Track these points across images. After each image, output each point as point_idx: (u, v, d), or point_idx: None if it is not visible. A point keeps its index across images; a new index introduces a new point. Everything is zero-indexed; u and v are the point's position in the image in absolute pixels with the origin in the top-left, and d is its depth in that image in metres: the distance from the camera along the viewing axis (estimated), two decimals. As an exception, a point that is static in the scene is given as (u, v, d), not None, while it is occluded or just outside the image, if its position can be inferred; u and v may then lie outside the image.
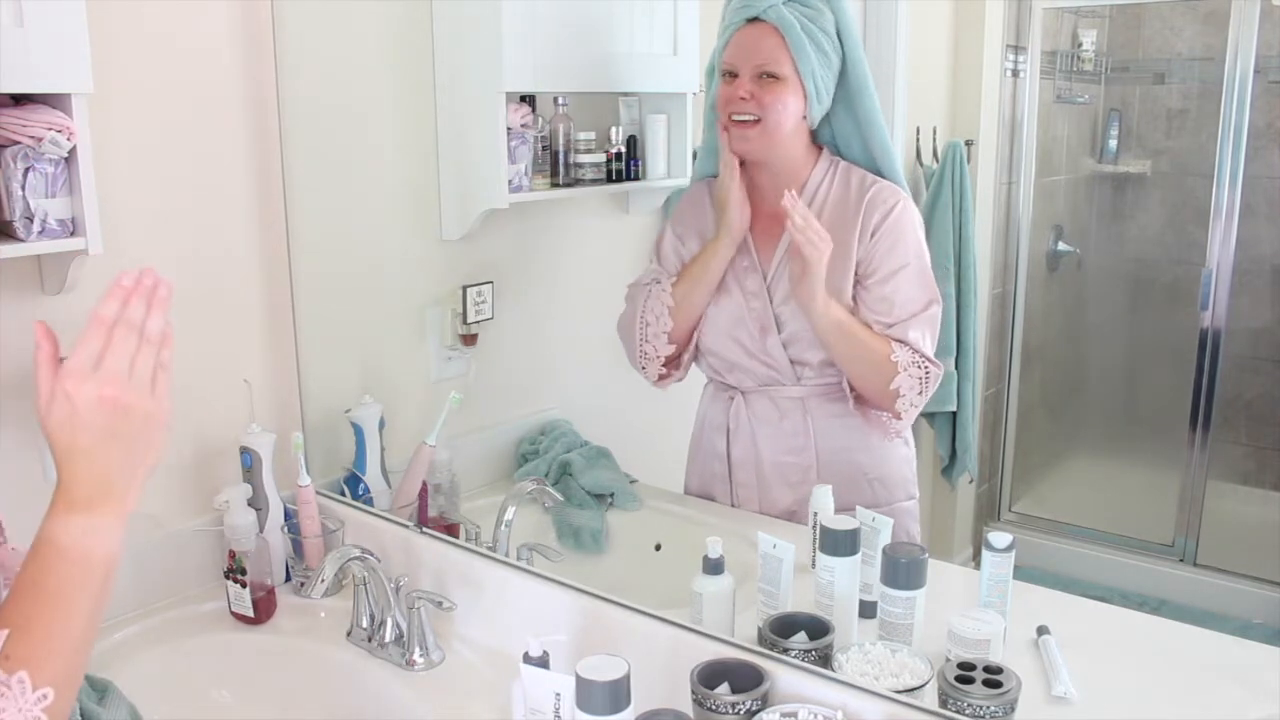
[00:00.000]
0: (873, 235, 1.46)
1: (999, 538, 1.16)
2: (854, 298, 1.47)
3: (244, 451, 1.56)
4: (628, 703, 1.01)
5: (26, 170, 1.24)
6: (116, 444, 0.82)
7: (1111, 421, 2.12)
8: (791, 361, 1.51)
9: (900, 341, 1.44)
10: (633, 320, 1.59)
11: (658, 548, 1.61)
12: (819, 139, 1.52)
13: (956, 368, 1.86)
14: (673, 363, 1.60)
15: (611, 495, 1.65)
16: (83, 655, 0.81)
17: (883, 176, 1.50)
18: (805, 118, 1.47)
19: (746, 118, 1.46)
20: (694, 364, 1.62)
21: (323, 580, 1.35)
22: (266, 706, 1.42)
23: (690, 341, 1.58)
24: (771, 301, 1.51)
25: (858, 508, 1.28)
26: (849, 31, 1.45)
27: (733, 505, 1.58)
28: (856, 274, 1.47)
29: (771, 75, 1.44)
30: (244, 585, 1.47)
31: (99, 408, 0.81)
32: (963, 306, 1.85)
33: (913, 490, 1.58)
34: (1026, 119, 1.95)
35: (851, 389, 1.50)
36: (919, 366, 1.44)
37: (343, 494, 1.66)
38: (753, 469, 1.56)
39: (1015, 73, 1.93)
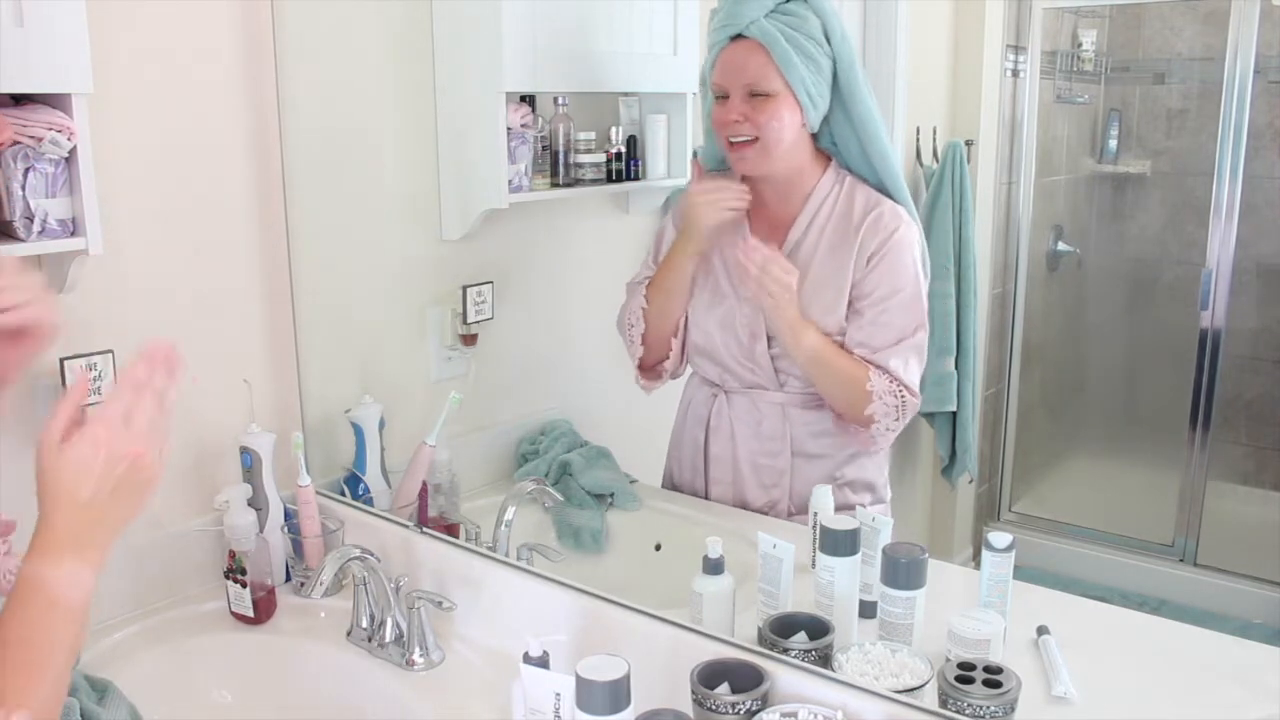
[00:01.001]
0: (869, 260, 1.46)
1: (999, 538, 1.16)
2: (846, 318, 1.47)
3: (244, 451, 1.56)
4: (628, 703, 1.01)
5: (26, 170, 1.24)
6: (118, 497, 0.86)
7: (1111, 421, 2.12)
8: (776, 370, 1.51)
9: (880, 369, 1.44)
10: (623, 318, 1.61)
11: (658, 548, 1.61)
12: (820, 143, 1.51)
13: (956, 368, 1.86)
14: (657, 367, 1.61)
15: (611, 495, 1.65)
16: (58, 699, 0.86)
17: (884, 186, 1.49)
18: (804, 125, 1.46)
19: (743, 138, 1.45)
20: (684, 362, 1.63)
21: (322, 580, 1.35)
22: (266, 706, 1.42)
23: (678, 347, 1.59)
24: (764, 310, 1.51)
25: (858, 508, 1.28)
26: (837, 33, 1.43)
27: (707, 500, 1.60)
28: (851, 295, 1.46)
29: (762, 93, 1.43)
30: (244, 585, 1.47)
31: (120, 462, 0.85)
32: (963, 306, 1.86)
33: (883, 494, 1.58)
34: (1026, 119, 1.95)
35: (831, 407, 1.50)
36: (895, 395, 1.43)
37: (343, 494, 1.66)
38: (729, 467, 1.57)
39: (1015, 73, 1.93)
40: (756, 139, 1.44)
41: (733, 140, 1.46)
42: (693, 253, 1.53)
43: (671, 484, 1.68)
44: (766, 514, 1.55)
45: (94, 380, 1.40)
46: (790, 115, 1.44)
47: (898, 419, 1.45)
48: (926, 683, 1.07)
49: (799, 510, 1.52)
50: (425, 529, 1.55)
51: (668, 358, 1.60)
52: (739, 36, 1.42)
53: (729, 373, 1.56)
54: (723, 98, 1.46)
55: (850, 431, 1.50)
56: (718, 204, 1.49)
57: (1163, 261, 2.17)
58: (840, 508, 1.40)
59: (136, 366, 0.89)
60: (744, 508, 1.56)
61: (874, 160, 1.49)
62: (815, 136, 1.50)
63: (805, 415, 1.52)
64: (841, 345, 1.46)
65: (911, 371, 1.45)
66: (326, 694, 1.42)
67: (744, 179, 1.50)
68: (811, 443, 1.53)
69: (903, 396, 1.44)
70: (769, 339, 1.50)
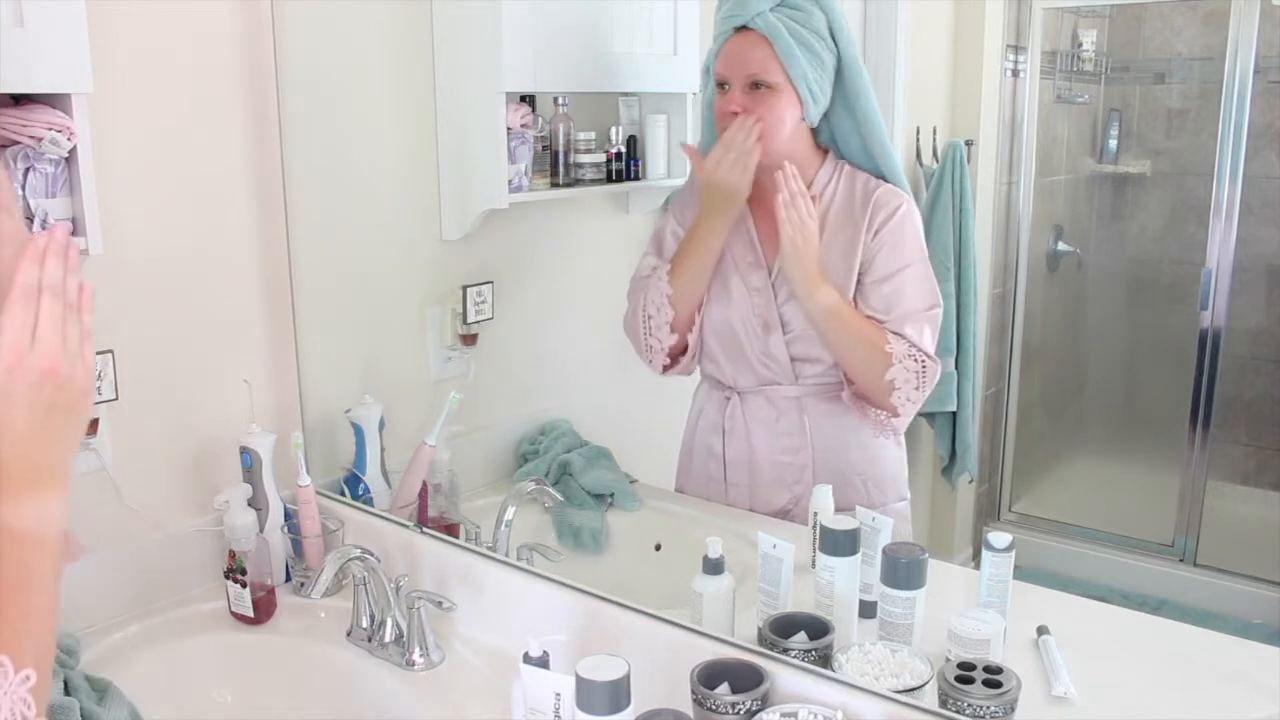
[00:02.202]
0: (875, 235, 1.46)
1: (999, 538, 1.16)
2: (855, 298, 1.47)
3: (244, 451, 1.56)
4: (628, 703, 1.01)
5: (26, 170, 1.24)
6: (55, 419, 0.79)
7: (1111, 421, 2.12)
8: (793, 360, 1.51)
9: (898, 335, 1.43)
10: (636, 314, 1.59)
11: (658, 548, 1.61)
12: (820, 140, 1.52)
13: (956, 368, 1.86)
14: (679, 353, 1.59)
15: (611, 495, 1.65)
16: (52, 635, 0.80)
17: (884, 177, 1.50)
18: (804, 119, 1.47)
19: None
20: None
21: (323, 580, 1.35)
22: (266, 706, 1.42)
23: (697, 329, 1.57)
24: (776, 298, 1.51)
25: (858, 508, 1.28)
26: (841, 30, 1.44)
27: (726, 505, 1.58)
28: (860, 272, 1.47)
29: (763, 84, 1.43)
30: (244, 585, 1.47)
31: (41, 383, 0.78)
32: (963, 306, 1.85)
33: (904, 491, 1.58)
34: (1026, 119, 1.95)
35: (849, 382, 1.49)
36: (915, 359, 1.42)
37: (343, 494, 1.66)
38: (747, 469, 1.56)
39: (1015, 73, 1.93)
40: None
41: None
42: (718, 226, 1.50)
43: (684, 493, 1.66)
44: (790, 511, 1.53)
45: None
46: (789, 108, 1.44)
47: (918, 387, 1.43)
48: (926, 683, 1.07)
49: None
50: (425, 529, 1.55)
51: (685, 348, 1.58)
52: (743, 28, 1.43)
53: (742, 370, 1.55)
54: (724, 86, 1.46)
55: (869, 412, 1.48)
56: (741, 167, 1.45)
57: (1163, 261, 2.17)
58: (866, 506, 1.39)
59: (25, 269, 0.80)
60: (764, 509, 1.55)
61: (876, 156, 1.49)
62: (815, 132, 1.50)
63: (822, 406, 1.51)
64: None
65: (927, 340, 1.44)
66: (326, 694, 1.42)
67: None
68: (830, 435, 1.52)
69: (923, 361, 1.43)
70: (784, 327, 1.50)
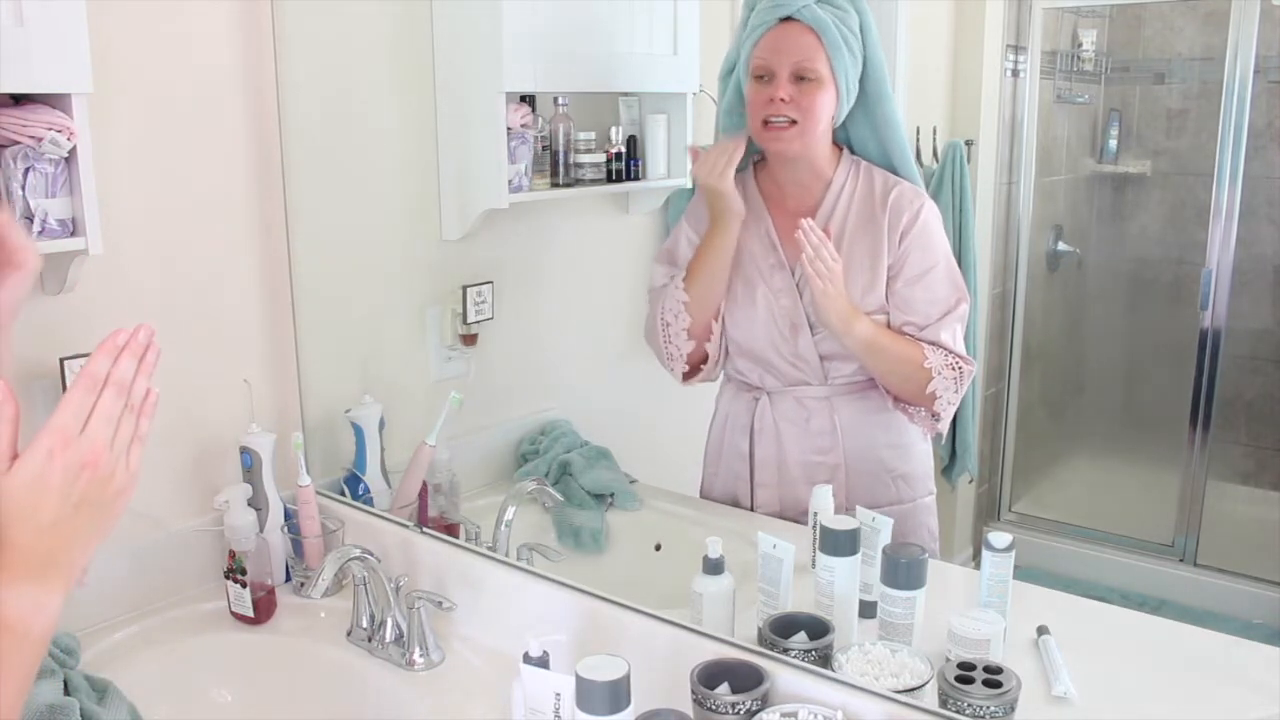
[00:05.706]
0: (901, 238, 1.46)
1: (999, 538, 1.16)
2: (887, 299, 1.47)
3: (244, 451, 1.56)
4: (628, 703, 1.02)
5: (26, 170, 1.24)
6: (81, 515, 0.77)
7: (1111, 421, 2.12)
8: (822, 359, 1.50)
9: (933, 344, 1.44)
10: (654, 323, 1.58)
11: (658, 548, 1.61)
12: (836, 138, 1.52)
13: (957, 368, 1.85)
14: (700, 361, 1.59)
15: (611, 495, 1.65)
16: (14, 717, 0.77)
17: (898, 172, 1.50)
18: (834, 116, 1.47)
19: (783, 120, 1.44)
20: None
21: (323, 580, 1.35)
22: (266, 706, 1.42)
23: (718, 337, 1.56)
24: (801, 298, 1.50)
25: (858, 508, 1.28)
26: (870, 31, 1.44)
27: (752, 508, 1.57)
28: (888, 274, 1.47)
29: (809, 77, 1.42)
30: (244, 585, 1.47)
31: (78, 475, 0.76)
32: (963, 307, 1.85)
33: (932, 486, 1.58)
34: (1026, 119, 1.95)
35: (888, 392, 1.50)
36: (953, 368, 1.44)
37: (343, 494, 1.66)
38: (775, 469, 1.55)
39: (1015, 73, 1.92)
40: (795, 122, 1.44)
41: (772, 121, 1.45)
42: (726, 229, 1.50)
43: (711, 496, 1.65)
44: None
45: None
46: (829, 103, 1.44)
47: (957, 390, 1.45)
48: (926, 683, 1.07)
49: (852, 509, 1.49)
50: (425, 529, 1.55)
51: (707, 355, 1.58)
52: (789, 19, 1.42)
53: (771, 372, 1.54)
54: (764, 77, 1.45)
55: (909, 413, 1.49)
56: (719, 167, 1.47)
57: (1163, 261, 2.16)
58: (893, 503, 1.39)
59: (97, 359, 0.79)
60: (794, 509, 1.54)
61: (893, 157, 1.50)
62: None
63: (852, 405, 1.51)
64: (886, 324, 1.47)
65: (960, 341, 1.46)
66: (326, 694, 1.42)
67: (763, 168, 1.50)
68: (861, 433, 1.52)
69: (960, 368, 1.44)
70: (812, 327, 1.50)
